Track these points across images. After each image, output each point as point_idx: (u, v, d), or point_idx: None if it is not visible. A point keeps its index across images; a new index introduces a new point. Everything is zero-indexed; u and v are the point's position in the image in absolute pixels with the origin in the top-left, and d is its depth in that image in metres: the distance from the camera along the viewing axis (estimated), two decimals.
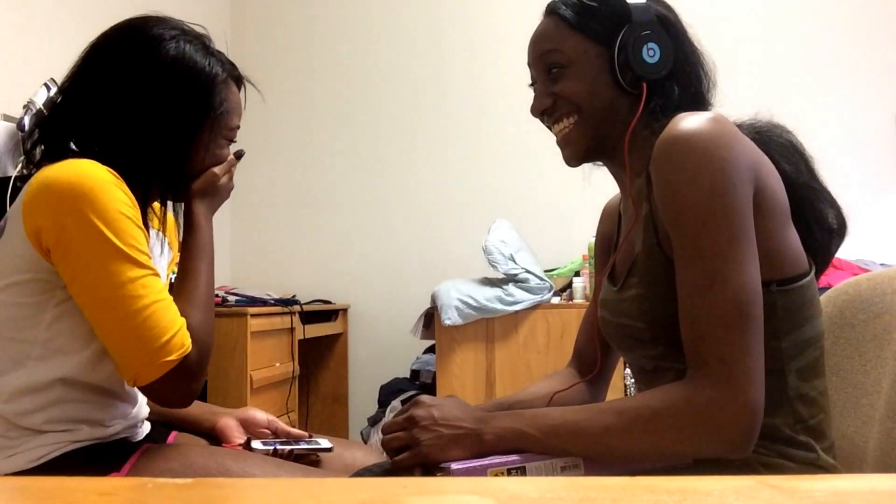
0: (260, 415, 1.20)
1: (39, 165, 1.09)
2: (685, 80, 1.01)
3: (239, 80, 1.18)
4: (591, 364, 1.20)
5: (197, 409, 1.29)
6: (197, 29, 1.16)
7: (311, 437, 1.26)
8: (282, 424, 1.20)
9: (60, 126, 1.10)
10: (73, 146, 1.10)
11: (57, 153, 1.08)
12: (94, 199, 0.97)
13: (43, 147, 1.10)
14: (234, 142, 1.19)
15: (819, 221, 0.99)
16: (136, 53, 1.08)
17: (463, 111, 3.55)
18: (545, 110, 1.04)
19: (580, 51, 1.00)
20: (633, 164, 1.02)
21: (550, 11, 1.04)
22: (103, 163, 1.04)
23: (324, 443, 1.22)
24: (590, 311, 1.24)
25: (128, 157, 1.07)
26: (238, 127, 1.18)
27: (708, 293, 0.85)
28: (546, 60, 1.03)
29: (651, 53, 0.97)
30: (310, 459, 1.19)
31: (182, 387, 1.02)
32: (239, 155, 1.21)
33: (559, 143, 1.05)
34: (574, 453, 0.89)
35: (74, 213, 0.97)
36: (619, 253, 1.05)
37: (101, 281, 0.98)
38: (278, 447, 1.18)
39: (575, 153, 1.04)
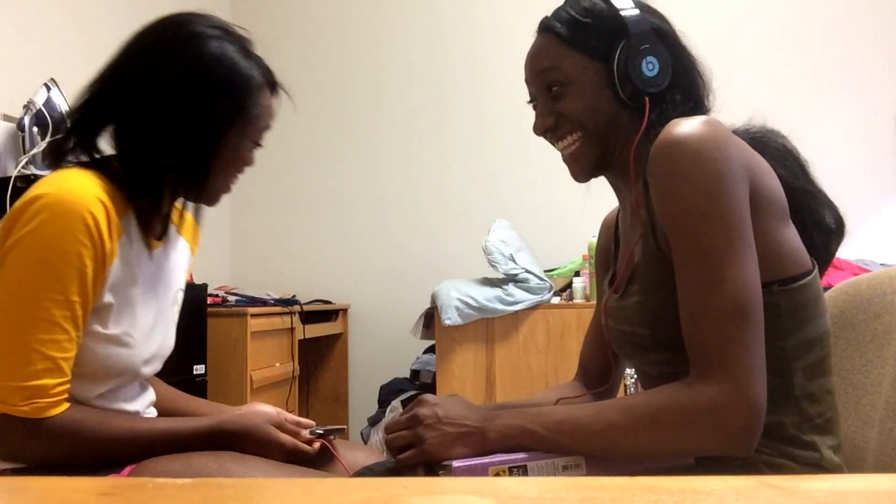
0: (268, 408, 1.20)
1: (59, 162, 1.08)
2: (683, 89, 1.01)
3: (274, 86, 1.19)
4: (596, 376, 1.21)
5: (206, 406, 1.29)
6: (239, 31, 1.16)
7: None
8: (290, 415, 1.20)
9: (93, 117, 1.09)
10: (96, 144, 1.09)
11: (84, 147, 1.08)
12: (44, 235, 0.95)
13: (74, 141, 1.09)
14: (260, 146, 1.18)
15: (817, 223, 1.00)
16: (177, 48, 1.07)
17: (463, 111, 3.55)
18: (548, 129, 1.04)
19: (579, 68, 1.00)
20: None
21: (545, 29, 1.04)
22: (112, 167, 1.03)
23: (336, 427, 1.23)
24: (593, 324, 1.24)
25: (152, 150, 1.06)
26: (267, 129, 1.17)
27: (707, 293, 0.85)
28: (545, 79, 1.02)
29: (650, 67, 0.97)
30: (328, 440, 1.20)
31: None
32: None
33: (565, 159, 1.05)
34: (578, 450, 0.89)
35: (18, 244, 0.96)
36: (622, 262, 1.05)
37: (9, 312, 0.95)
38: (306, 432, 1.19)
39: (583, 169, 1.04)
